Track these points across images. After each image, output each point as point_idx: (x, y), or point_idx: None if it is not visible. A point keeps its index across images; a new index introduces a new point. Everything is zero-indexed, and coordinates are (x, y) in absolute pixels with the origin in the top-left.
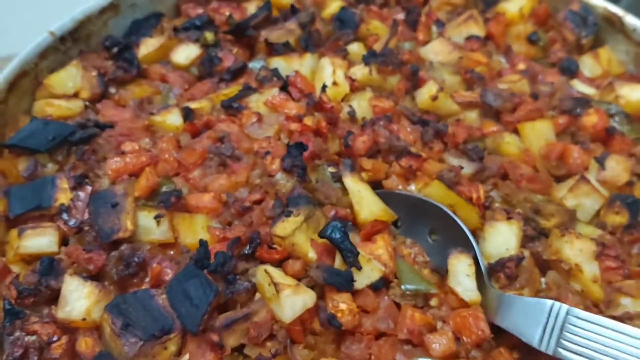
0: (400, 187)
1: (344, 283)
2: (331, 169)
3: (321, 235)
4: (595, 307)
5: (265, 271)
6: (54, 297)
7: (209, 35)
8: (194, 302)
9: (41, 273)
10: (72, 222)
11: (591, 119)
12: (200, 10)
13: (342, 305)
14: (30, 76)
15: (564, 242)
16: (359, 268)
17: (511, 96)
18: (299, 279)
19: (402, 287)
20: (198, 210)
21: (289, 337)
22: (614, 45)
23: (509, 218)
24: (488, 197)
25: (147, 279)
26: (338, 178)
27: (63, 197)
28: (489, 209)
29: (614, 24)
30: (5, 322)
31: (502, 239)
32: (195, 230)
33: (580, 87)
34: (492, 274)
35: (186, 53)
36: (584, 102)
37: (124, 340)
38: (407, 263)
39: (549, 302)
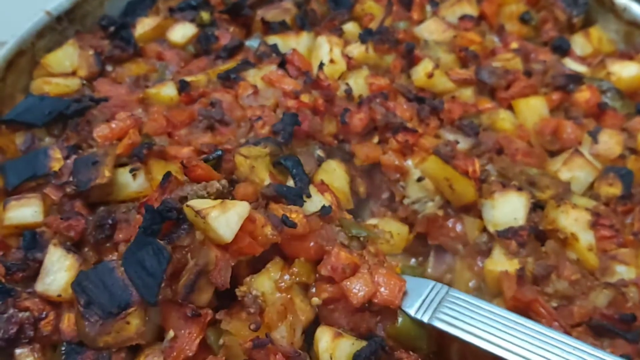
0: (397, 162)
1: (294, 196)
2: (320, 152)
3: (275, 162)
4: (591, 274)
5: (187, 206)
6: None
7: (205, 15)
8: (149, 272)
9: (25, 247)
10: (57, 182)
11: (584, 95)
12: None
13: (292, 211)
14: (28, 55)
15: (559, 212)
16: (309, 195)
17: (505, 73)
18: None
19: (346, 231)
20: (175, 160)
21: (241, 254)
22: (605, 24)
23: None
24: (484, 170)
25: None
26: (321, 162)
27: (57, 166)
28: (485, 182)
29: (604, 3)
30: None
31: (511, 208)
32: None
33: (572, 65)
34: (501, 242)
35: (183, 32)
36: (577, 78)
37: (85, 321)
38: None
39: (432, 282)
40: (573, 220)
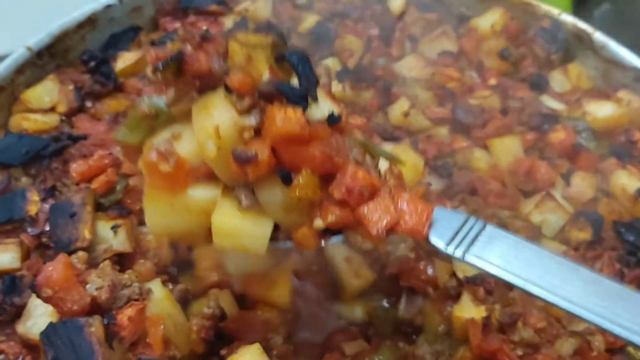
0: None
1: (297, 97)
2: None
3: (277, 57)
4: (557, 322)
5: None
6: (20, 314)
7: None
8: None
9: (4, 292)
10: (32, 232)
11: (558, 136)
12: (177, 24)
13: (289, 112)
14: (7, 92)
15: None
16: (315, 98)
17: (481, 112)
18: (242, 96)
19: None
20: None
21: None
22: (584, 60)
23: None
24: None
25: None
26: None
27: (34, 209)
28: None
29: (583, 40)
30: None
31: None
32: None
33: (550, 102)
34: (469, 288)
35: None
36: (552, 118)
37: None
38: None
39: (466, 214)
40: None
